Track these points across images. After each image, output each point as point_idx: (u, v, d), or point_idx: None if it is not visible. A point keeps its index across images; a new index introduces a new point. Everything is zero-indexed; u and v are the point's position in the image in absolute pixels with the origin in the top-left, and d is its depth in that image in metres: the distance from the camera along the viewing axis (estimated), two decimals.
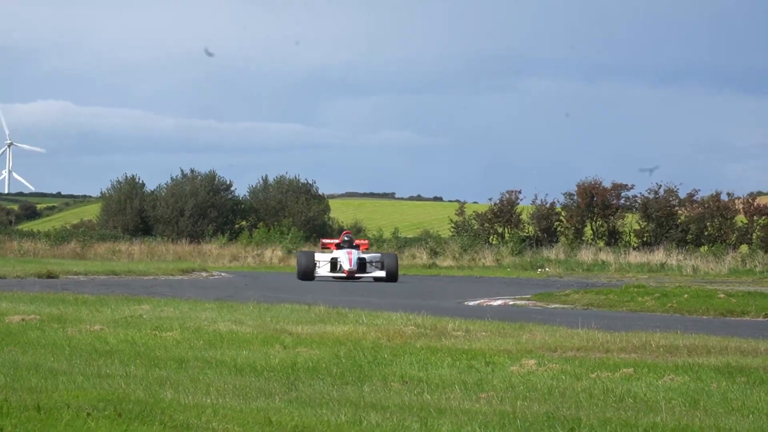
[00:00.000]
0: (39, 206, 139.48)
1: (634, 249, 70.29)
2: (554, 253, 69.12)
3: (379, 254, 45.08)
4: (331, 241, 47.16)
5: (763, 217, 72.44)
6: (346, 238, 44.85)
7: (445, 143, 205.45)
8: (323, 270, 43.22)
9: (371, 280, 43.31)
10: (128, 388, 11.29)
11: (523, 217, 76.07)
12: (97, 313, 19.54)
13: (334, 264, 43.47)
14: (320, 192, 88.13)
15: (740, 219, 73.91)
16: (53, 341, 15.45)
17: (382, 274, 43.19)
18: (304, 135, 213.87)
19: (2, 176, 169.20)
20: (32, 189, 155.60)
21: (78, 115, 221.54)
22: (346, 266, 43.16)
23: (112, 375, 12.35)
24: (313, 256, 43.26)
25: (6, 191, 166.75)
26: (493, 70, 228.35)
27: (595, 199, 75.13)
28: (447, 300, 32.23)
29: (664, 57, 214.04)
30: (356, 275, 43.33)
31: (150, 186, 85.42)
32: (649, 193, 75.07)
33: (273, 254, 67.01)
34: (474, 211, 77.77)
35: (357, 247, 44.52)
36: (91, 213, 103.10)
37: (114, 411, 9.86)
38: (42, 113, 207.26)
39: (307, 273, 42.49)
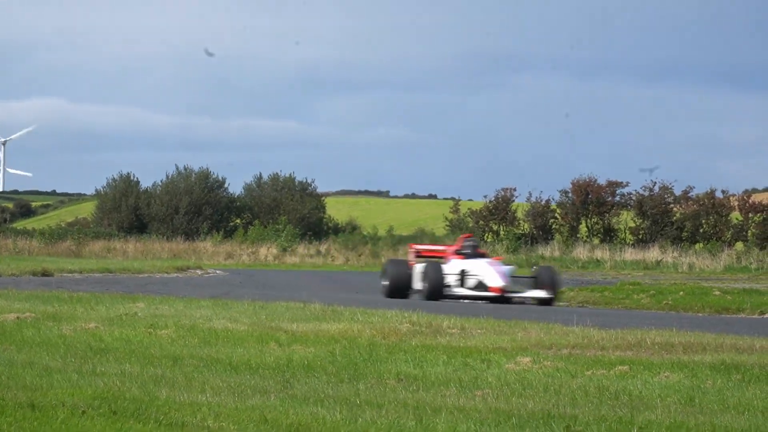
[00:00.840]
0: (34, 204, 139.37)
1: (629, 246, 70.35)
2: (549, 250, 69.20)
3: (512, 265, 34.06)
4: (437, 248, 35.91)
5: (759, 215, 72.53)
6: (469, 244, 32.63)
7: (439, 141, 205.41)
8: (460, 288, 31.21)
9: (529, 301, 31.21)
10: (123, 387, 11.28)
11: (518, 214, 76.12)
12: (92, 311, 19.52)
13: (462, 278, 31.30)
14: (318, 191, 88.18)
15: (735, 216, 74.00)
16: (48, 339, 15.43)
17: (542, 294, 30.64)
18: (298, 132, 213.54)
19: None
20: (29, 175, 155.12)
21: (73, 112, 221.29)
22: (493, 282, 30.76)
23: (107, 373, 12.33)
24: (441, 269, 31.19)
25: (1, 189, 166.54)
26: (487, 67, 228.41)
27: (590, 196, 75.19)
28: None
29: (658, 54, 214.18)
30: (507, 294, 31.07)
31: (145, 184, 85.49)
32: (644, 191, 75.23)
33: (268, 252, 67.03)
34: (469, 209, 77.82)
35: (487, 256, 33.00)
36: (86, 211, 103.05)
37: (109, 409, 9.85)
38: (37, 111, 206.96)
39: (436, 290, 30.68)
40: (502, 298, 30.71)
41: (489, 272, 31.04)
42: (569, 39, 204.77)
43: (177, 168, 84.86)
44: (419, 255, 34.26)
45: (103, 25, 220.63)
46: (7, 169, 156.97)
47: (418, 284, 31.58)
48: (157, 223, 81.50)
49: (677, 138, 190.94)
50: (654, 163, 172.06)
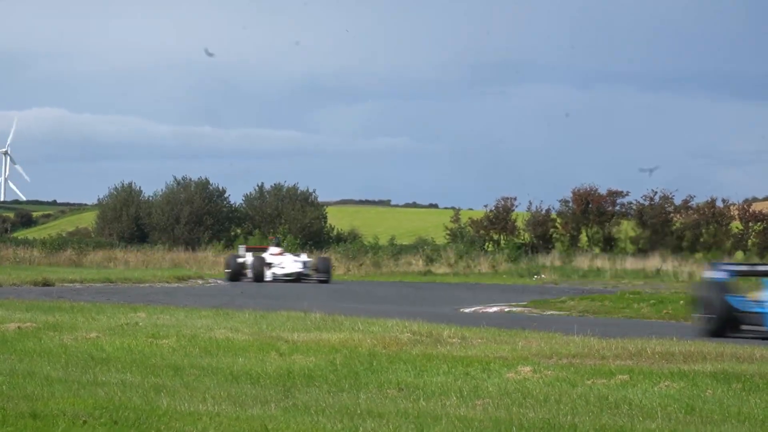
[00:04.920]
0: (35, 214, 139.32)
1: (629, 255, 70.34)
2: (550, 259, 69.17)
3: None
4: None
5: (759, 224, 72.50)
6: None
7: (440, 150, 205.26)
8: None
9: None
10: (124, 396, 11.29)
11: (519, 223, 76.10)
12: (93, 321, 19.53)
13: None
14: (319, 200, 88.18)
15: (736, 225, 73.96)
16: (49, 349, 15.45)
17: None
18: (299, 142, 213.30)
19: None
20: (23, 198, 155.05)
21: (74, 122, 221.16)
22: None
23: (108, 383, 12.34)
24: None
25: (2, 199, 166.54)
26: (488, 76, 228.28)
27: (590, 205, 75.17)
28: (442, 307, 32.21)
29: (659, 63, 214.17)
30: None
31: (146, 193, 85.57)
32: (645, 200, 75.22)
33: None
34: (469, 218, 77.79)
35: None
36: (86, 221, 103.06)
37: (110, 418, 9.87)
38: (37, 120, 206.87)
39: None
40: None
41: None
42: (569, 48, 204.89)
43: (175, 178, 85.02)
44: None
45: (103, 34, 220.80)
46: (8, 181, 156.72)
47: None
48: (158, 232, 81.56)
49: (677, 147, 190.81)
50: (659, 166, 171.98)
